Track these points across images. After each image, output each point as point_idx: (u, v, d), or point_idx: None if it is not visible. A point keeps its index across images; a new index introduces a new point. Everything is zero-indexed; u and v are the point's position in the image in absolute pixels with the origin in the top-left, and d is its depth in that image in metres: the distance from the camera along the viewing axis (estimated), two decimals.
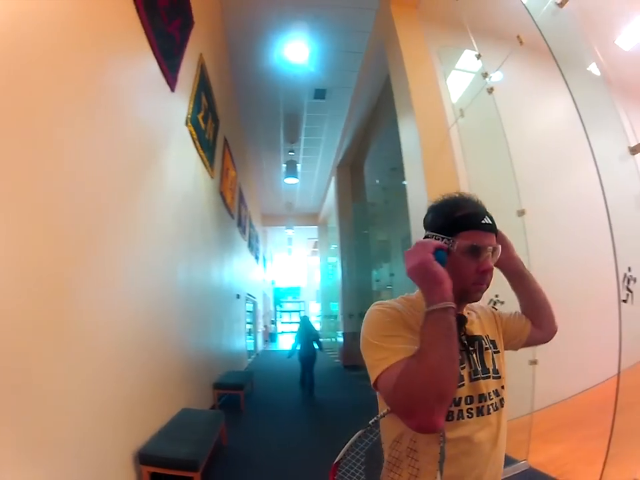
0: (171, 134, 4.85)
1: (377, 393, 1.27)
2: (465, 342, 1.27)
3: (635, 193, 3.20)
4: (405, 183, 6.61)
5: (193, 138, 5.75)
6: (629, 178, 3.28)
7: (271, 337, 27.36)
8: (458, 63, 6.56)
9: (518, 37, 4.35)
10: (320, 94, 10.06)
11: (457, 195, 1.33)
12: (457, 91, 6.28)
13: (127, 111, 3.52)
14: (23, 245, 2.07)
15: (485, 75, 5.06)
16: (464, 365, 1.23)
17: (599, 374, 5.50)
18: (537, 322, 1.50)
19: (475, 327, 1.34)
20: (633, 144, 3.23)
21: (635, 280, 3.12)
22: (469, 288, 1.21)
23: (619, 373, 3.10)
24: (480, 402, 1.22)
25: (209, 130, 6.77)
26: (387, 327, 1.19)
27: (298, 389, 9.36)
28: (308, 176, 15.94)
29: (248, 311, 15.14)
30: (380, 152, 10.80)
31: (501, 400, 1.27)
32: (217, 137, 7.49)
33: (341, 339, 14.17)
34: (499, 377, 1.30)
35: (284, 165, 13.79)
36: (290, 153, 12.92)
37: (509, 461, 3.70)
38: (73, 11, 2.62)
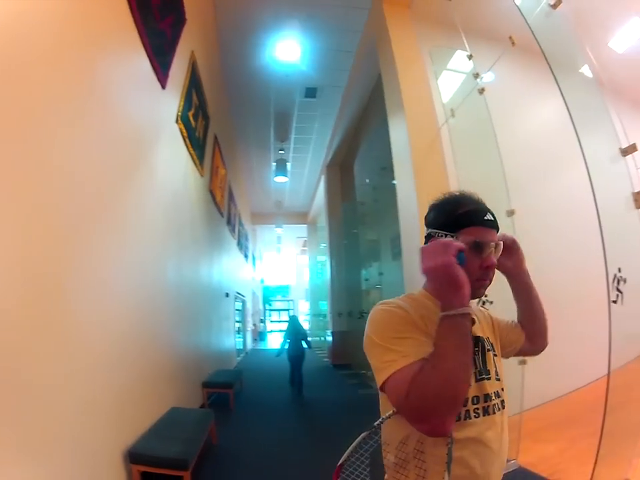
0: (161, 131, 4.82)
1: (379, 394, 1.27)
2: None
3: (626, 194, 3.22)
4: (394, 182, 6.63)
5: (183, 136, 5.72)
6: (620, 179, 3.30)
7: (260, 335, 27.30)
8: (449, 63, 6.59)
9: (510, 37, 4.37)
10: (311, 93, 10.05)
11: (458, 193, 1.34)
12: (448, 91, 6.30)
13: (117, 108, 3.49)
14: (12, 244, 2.05)
15: (477, 76, 5.09)
16: None
17: (588, 374, 5.54)
18: (531, 335, 1.51)
19: (477, 328, 1.35)
20: (625, 145, 3.25)
21: (624, 281, 3.14)
22: (473, 284, 1.19)
23: (608, 373, 3.12)
24: (486, 402, 1.23)
25: (199, 128, 6.74)
26: (395, 328, 1.19)
27: (287, 387, 9.35)
28: (298, 175, 15.93)
29: (237, 310, 15.08)
30: (370, 151, 10.80)
31: (502, 401, 1.28)
32: (207, 134, 7.46)
33: (330, 338, 14.16)
34: (499, 379, 1.30)
35: (274, 164, 13.77)
36: (280, 152, 12.89)
37: None
38: (65, 7, 2.60)
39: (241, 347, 16.79)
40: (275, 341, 22.43)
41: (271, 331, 31.97)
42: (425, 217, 1.39)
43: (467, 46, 5.29)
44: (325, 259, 16.81)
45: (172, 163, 5.34)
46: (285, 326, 10.20)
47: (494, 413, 1.23)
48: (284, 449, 5.31)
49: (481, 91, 5.03)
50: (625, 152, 3.24)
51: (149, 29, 3.98)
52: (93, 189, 3.00)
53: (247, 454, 5.08)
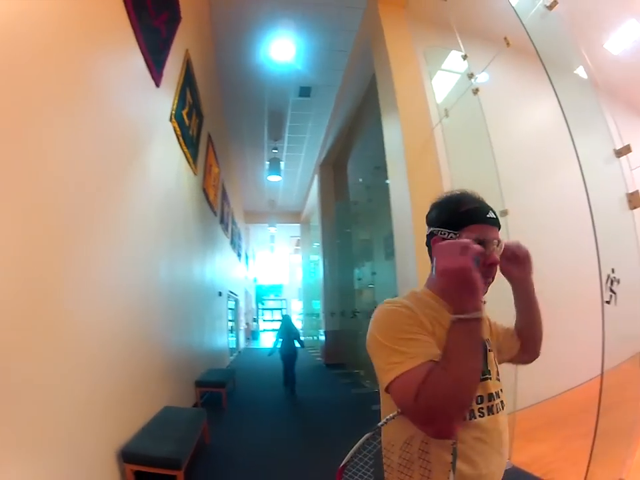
0: (154, 130, 4.80)
1: (381, 394, 1.27)
2: None
3: (620, 195, 3.23)
4: (388, 182, 6.64)
5: (176, 134, 5.69)
6: (614, 180, 3.31)
7: (252, 334, 27.28)
8: (444, 64, 6.60)
9: (505, 38, 4.38)
10: (305, 92, 10.04)
11: (460, 192, 1.35)
12: (442, 91, 6.32)
13: (111, 106, 3.47)
14: (4, 244, 2.03)
15: (471, 76, 5.11)
16: None
17: (582, 374, 5.53)
18: (526, 345, 1.51)
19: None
20: (619, 147, 3.27)
21: (618, 281, 3.15)
22: None
23: (602, 373, 3.13)
24: (489, 401, 1.23)
25: (193, 126, 6.71)
26: (402, 328, 1.17)
27: (280, 386, 9.33)
28: (291, 174, 15.91)
29: (230, 309, 15.05)
30: (364, 151, 10.82)
31: (502, 402, 1.28)
32: (200, 133, 7.43)
33: (322, 337, 14.16)
34: (499, 380, 1.31)
35: (267, 163, 13.73)
36: (273, 151, 12.87)
37: None
38: (62, 4, 2.59)
39: (234, 346, 16.75)
40: (268, 340, 22.41)
41: (264, 330, 31.93)
42: (426, 215, 1.40)
43: (461, 46, 5.31)
44: (317, 258, 16.81)
45: (165, 162, 5.31)
46: (277, 325, 10.19)
47: (497, 412, 1.24)
48: (277, 448, 5.30)
49: (475, 91, 5.05)
50: (619, 153, 3.26)
51: (143, 26, 3.96)
52: (86, 188, 2.98)
53: (240, 453, 5.08)
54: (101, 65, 3.24)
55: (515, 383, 4.13)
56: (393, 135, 6.38)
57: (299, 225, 22.36)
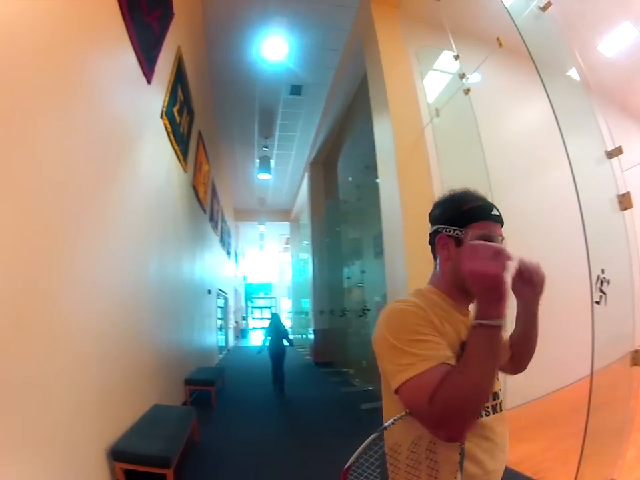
0: (145, 127, 4.77)
1: (384, 395, 1.28)
2: None
3: (610, 196, 3.26)
4: (378, 181, 6.65)
5: (167, 131, 5.66)
6: (605, 181, 3.33)
7: (242, 332, 27.27)
8: (436, 63, 6.63)
9: (497, 39, 4.40)
10: (296, 90, 10.03)
11: (462, 190, 1.35)
12: (434, 91, 6.35)
13: (102, 103, 3.45)
14: None
15: (462, 76, 5.14)
16: None
17: (572, 374, 5.53)
18: (516, 358, 1.50)
19: None
20: (610, 148, 3.29)
21: (608, 282, 3.18)
22: None
23: (592, 373, 3.15)
24: (493, 400, 1.25)
25: (183, 123, 6.68)
26: (414, 329, 1.16)
27: (269, 385, 9.34)
28: (281, 172, 15.88)
29: (219, 307, 14.99)
30: (354, 149, 10.83)
31: (501, 401, 1.29)
32: (191, 130, 7.40)
33: (311, 336, 14.16)
34: (498, 379, 1.31)
35: (257, 161, 13.71)
36: (264, 149, 12.85)
37: None
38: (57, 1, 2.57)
39: (223, 344, 16.69)
40: (257, 338, 22.38)
41: (253, 329, 31.91)
42: (429, 214, 1.40)
43: (453, 46, 5.33)
44: (307, 256, 16.81)
45: (156, 159, 5.28)
46: (267, 323, 10.19)
47: (500, 410, 1.26)
48: (266, 446, 5.31)
49: (467, 91, 5.07)
50: (611, 154, 3.29)
51: (136, 23, 3.94)
52: (76, 185, 2.96)
53: (229, 451, 5.08)
54: (94, 62, 3.22)
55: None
56: (383, 134, 6.40)
57: (288, 223, 22.33)
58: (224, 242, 15.21)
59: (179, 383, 6.78)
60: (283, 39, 7.85)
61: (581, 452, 3.14)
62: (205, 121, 9.31)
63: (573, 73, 3.95)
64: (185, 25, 6.19)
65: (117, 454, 3.41)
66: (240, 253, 25.49)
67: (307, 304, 17.20)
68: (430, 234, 1.38)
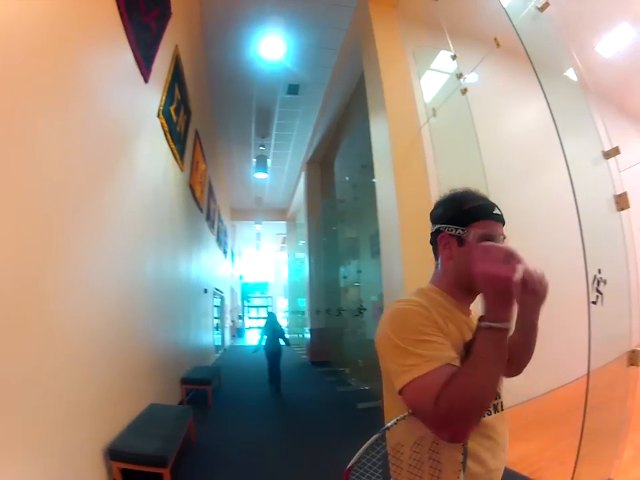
0: (142, 125, 4.76)
1: (385, 395, 1.28)
2: None
3: (607, 196, 3.26)
4: (374, 180, 6.65)
5: (164, 130, 5.65)
6: (602, 182, 3.34)
7: (238, 332, 27.25)
8: (433, 63, 6.64)
9: (495, 39, 4.40)
10: (293, 89, 10.02)
11: (464, 190, 1.36)
12: (431, 90, 6.35)
13: (100, 102, 3.45)
14: None
15: (460, 76, 5.14)
16: None
17: (569, 373, 5.54)
18: (512, 362, 1.45)
19: None
20: (608, 149, 3.30)
21: (605, 282, 3.18)
22: None
23: (588, 373, 3.16)
24: (495, 399, 1.26)
25: (180, 122, 6.67)
26: (418, 329, 1.16)
27: (265, 384, 9.34)
28: (278, 171, 15.87)
29: (215, 306, 14.99)
30: (351, 149, 10.82)
31: (502, 401, 1.30)
32: (188, 129, 7.38)
33: (308, 335, 14.16)
34: None
35: (254, 160, 13.68)
36: (261, 148, 12.86)
37: None
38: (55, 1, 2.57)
39: (220, 344, 16.68)
40: (254, 337, 22.36)
41: (249, 328, 31.90)
42: (431, 213, 1.41)
43: (451, 46, 5.33)
44: (303, 256, 16.80)
45: (153, 158, 5.27)
46: (263, 323, 10.19)
47: (502, 409, 1.28)
48: (262, 445, 5.31)
49: (464, 91, 5.08)
50: (608, 155, 3.30)
51: (134, 22, 3.93)
52: (72, 184, 2.95)
53: (226, 451, 5.07)
54: (92, 61, 3.22)
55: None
56: (380, 133, 6.40)
57: (285, 222, 22.32)
58: (220, 241, 15.19)
59: (175, 382, 6.77)
60: (280, 38, 7.84)
61: (578, 452, 3.14)
62: (202, 120, 9.30)
63: (571, 74, 3.94)
64: (182, 24, 6.18)
65: (113, 453, 3.41)
66: (236, 252, 25.46)
67: (303, 303, 17.21)
68: (431, 233, 1.39)
